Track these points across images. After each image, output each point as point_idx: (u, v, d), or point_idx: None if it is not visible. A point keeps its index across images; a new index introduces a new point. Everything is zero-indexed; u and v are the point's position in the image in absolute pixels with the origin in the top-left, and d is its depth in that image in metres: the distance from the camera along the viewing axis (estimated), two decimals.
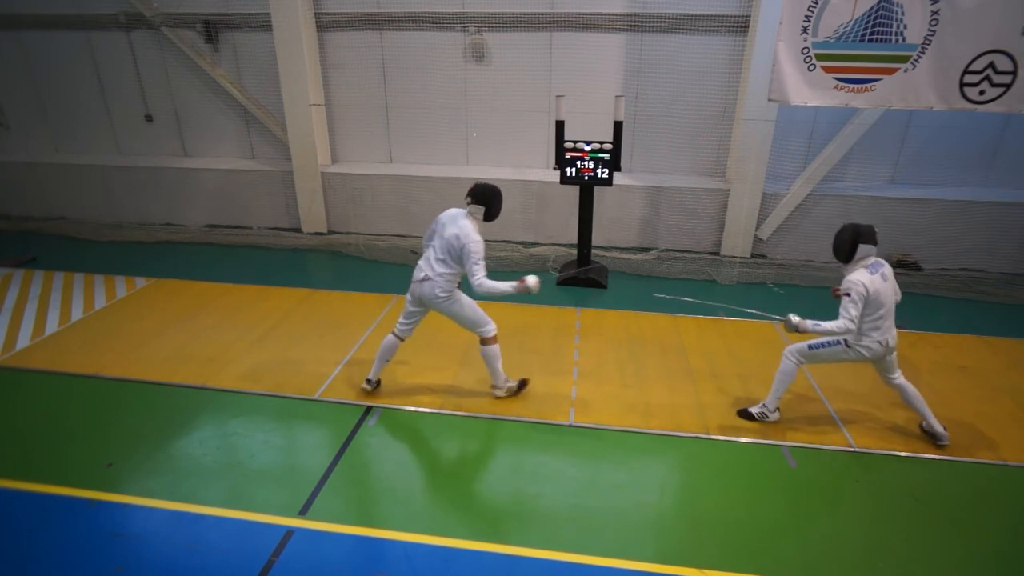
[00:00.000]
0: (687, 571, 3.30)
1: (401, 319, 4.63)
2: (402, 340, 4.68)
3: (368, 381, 4.78)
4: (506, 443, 4.38)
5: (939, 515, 3.71)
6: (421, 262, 4.45)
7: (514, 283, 4.18)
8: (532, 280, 4.18)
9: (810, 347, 4.28)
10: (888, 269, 4.08)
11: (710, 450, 4.31)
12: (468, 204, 4.31)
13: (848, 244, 3.98)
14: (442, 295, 4.35)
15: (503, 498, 3.86)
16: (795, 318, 3.91)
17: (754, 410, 4.59)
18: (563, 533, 3.55)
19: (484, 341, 4.57)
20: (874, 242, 3.96)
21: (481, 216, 4.34)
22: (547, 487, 3.95)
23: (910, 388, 4.28)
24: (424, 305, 4.49)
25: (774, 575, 3.28)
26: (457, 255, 4.25)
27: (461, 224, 4.26)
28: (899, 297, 4.16)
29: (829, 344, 4.19)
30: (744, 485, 3.97)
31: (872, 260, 4.01)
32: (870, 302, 3.91)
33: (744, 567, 3.32)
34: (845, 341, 4.11)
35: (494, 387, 4.78)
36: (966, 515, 3.72)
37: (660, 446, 4.35)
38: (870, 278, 3.91)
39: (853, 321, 3.87)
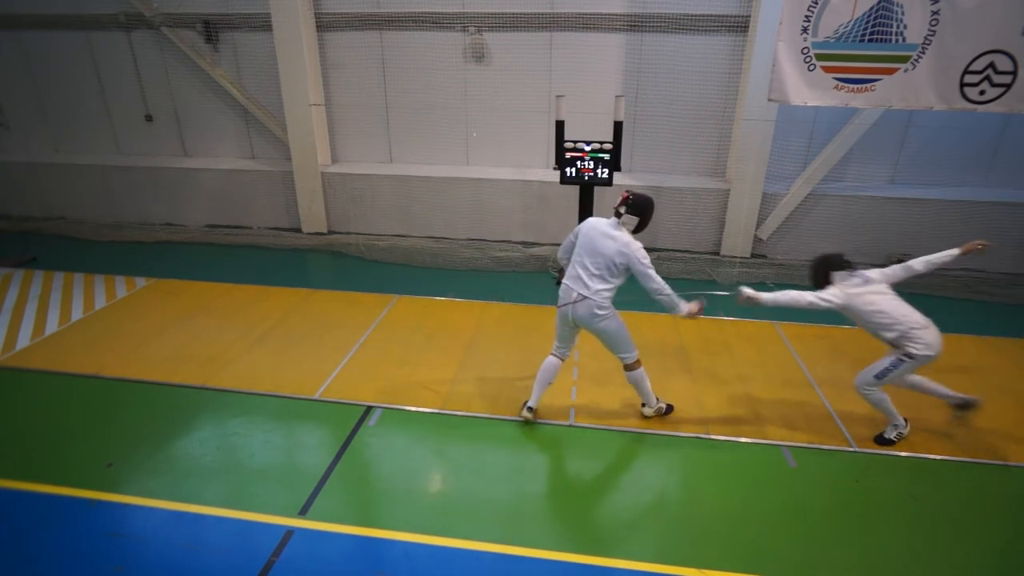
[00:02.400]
0: (687, 571, 3.30)
1: (557, 343, 4.43)
2: (563, 361, 4.50)
3: (529, 409, 4.49)
4: (506, 443, 4.37)
5: (939, 515, 3.71)
6: (568, 281, 4.17)
7: (691, 305, 4.14)
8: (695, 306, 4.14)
9: (877, 377, 4.17)
10: (873, 272, 4.16)
11: (710, 450, 4.31)
12: (623, 214, 4.05)
13: (819, 275, 4.25)
14: (601, 312, 4.11)
15: (503, 498, 3.86)
16: (747, 290, 4.07)
17: (891, 435, 4.39)
18: (563, 533, 3.55)
19: (629, 367, 4.36)
20: (845, 267, 4.17)
21: (634, 227, 4.11)
22: (547, 487, 3.96)
23: (917, 379, 4.28)
24: (579, 326, 4.26)
25: (774, 575, 3.28)
26: (620, 269, 4.05)
27: (618, 236, 4.03)
28: (897, 274, 4.16)
29: (895, 367, 4.08)
30: (744, 485, 3.97)
31: (844, 275, 4.16)
32: (864, 310, 4.03)
33: (744, 567, 3.32)
34: (908, 355, 4.02)
35: (644, 406, 4.62)
36: (966, 515, 3.72)
37: (660, 446, 4.34)
38: (841, 289, 4.08)
39: (821, 299, 4.04)
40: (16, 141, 9.55)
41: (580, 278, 4.11)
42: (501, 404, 4.76)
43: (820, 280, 4.24)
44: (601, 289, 4.09)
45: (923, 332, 4.00)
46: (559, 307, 4.26)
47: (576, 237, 4.20)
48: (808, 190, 7.58)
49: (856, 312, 4.08)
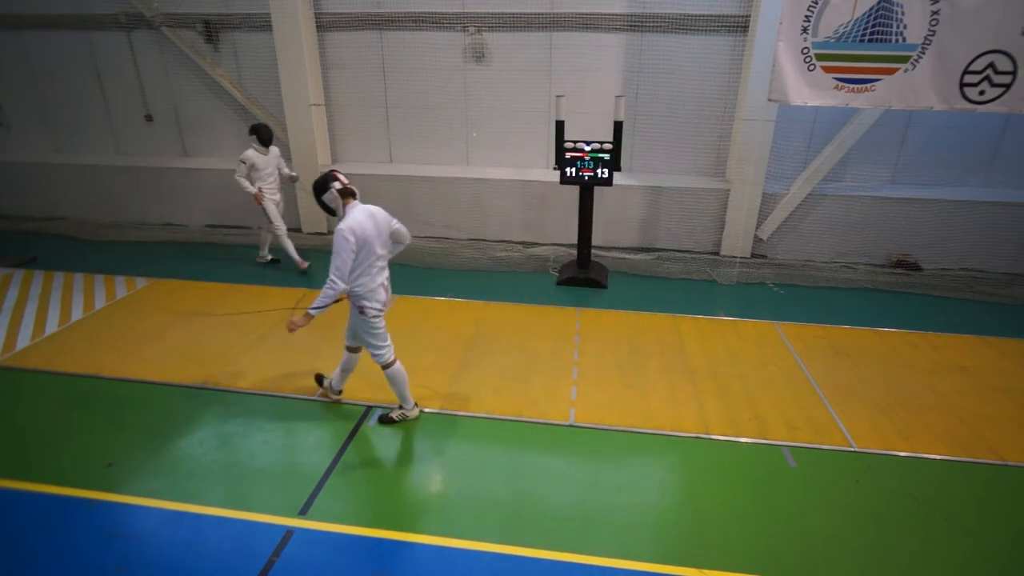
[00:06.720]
0: (687, 571, 3.30)
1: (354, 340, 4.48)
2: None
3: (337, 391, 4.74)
4: (506, 443, 4.38)
5: (939, 515, 3.72)
6: (385, 283, 4.23)
7: (300, 319, 4.13)
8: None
9: None
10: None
11: (710, 450, 4.31)
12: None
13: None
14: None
15: (503, 498, 3.86)
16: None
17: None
18: (563, 533, 3.55)
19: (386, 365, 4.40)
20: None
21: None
22: (547, 487, 3.95)
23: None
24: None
25: (774, 575, 3.28)
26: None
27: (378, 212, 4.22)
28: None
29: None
30: (744, 485, 3.97)
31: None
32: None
33: (744, 567, 3.32)
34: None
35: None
36: (966, 515, 3.72)
37: (660, 446, 4.34)
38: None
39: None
40: (16, 141, 9.55)
41: (385, 269, 4.20)
42: (501, 404, 4.76)
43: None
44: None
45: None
46: (384, 310, 4.24)
47: (356, 244, 4.03)
48: (808, 190, 7.58)
49: None
